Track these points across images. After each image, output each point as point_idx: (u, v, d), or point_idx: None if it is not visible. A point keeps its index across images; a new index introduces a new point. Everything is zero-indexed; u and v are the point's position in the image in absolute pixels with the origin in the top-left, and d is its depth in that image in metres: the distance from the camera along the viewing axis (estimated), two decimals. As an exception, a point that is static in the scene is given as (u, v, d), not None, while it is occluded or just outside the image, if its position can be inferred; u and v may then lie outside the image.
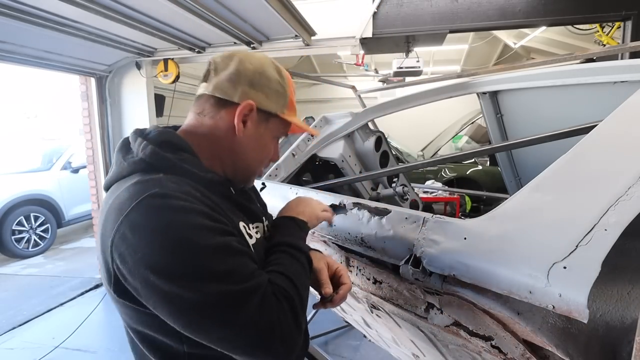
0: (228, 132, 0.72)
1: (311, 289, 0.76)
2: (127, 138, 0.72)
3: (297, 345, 0.62)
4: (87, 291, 3.93)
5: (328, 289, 0.77)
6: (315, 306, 0.79)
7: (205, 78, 0.74)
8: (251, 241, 0.71)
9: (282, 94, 0.75)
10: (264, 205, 0.94)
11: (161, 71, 3.67)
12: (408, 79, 4.64)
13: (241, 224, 0.71)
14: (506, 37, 6.84)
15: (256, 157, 0.78)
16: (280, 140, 0.86)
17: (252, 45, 3.20)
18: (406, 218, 0.89)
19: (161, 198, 0.57)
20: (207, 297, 0.54)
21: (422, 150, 6.47)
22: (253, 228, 0.76)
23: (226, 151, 0.74)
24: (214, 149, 0.73)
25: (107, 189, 0.68)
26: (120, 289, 0.59)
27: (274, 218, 0.87)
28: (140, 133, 0.71)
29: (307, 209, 0.86)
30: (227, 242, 0.59)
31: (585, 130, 1.00)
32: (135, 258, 0.54)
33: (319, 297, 0.79)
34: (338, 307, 1.61)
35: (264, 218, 0.84)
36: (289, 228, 0.79)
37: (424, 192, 4.02)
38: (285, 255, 0.71)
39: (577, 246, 0.57)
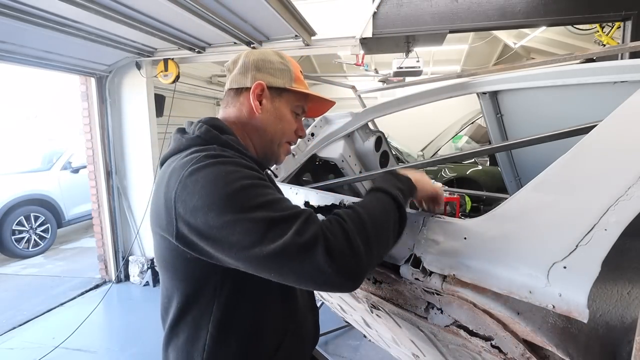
0: (250, 113, 0.85)
1: None
2: (182, 126, 0.85)
3: (350, 266, 0.61)
4: (87, 291, 3.93)
5: None
6: None
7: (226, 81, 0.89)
8: None
9: (286, 70, 0.86)
10: None
11: (161, 71, 3.67)
12: (408, 79, 4.63)
13: None
14: (506, 37, 6.83)
15: (278, 130, 0.88)
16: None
17: (252, 45, 3.20)
18: (406, 218, 0.89)
19: (215, 157, 0.69)
20: (254, 223, 0.61)
21: (422, 150, 6.45)
22: None
23: (252, 131, 0.86)
24: (243, 133, 0.85)
25: (162, 163, 0.78)
26: (181, 237, 0.66)
27: None
28: (191, 122, 0.84)
29: (422, 178, 0.88)
30: (268, 185, 0.69)
31: (585, 130, 1.00)
32: (194, 200, 0.64)
33: None
34: (338, 307, 1.61)
35: None
36: (384, 178, 0.82)
37: (424, 192, 4.00)
38: (366, 196, 0.76)
39: (577, 246, 0.57)
